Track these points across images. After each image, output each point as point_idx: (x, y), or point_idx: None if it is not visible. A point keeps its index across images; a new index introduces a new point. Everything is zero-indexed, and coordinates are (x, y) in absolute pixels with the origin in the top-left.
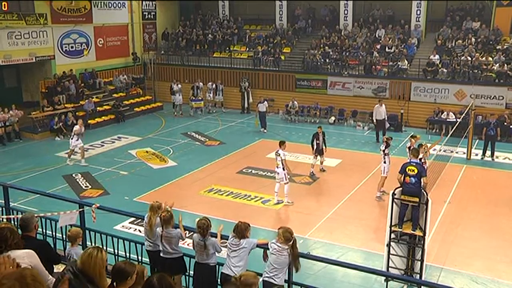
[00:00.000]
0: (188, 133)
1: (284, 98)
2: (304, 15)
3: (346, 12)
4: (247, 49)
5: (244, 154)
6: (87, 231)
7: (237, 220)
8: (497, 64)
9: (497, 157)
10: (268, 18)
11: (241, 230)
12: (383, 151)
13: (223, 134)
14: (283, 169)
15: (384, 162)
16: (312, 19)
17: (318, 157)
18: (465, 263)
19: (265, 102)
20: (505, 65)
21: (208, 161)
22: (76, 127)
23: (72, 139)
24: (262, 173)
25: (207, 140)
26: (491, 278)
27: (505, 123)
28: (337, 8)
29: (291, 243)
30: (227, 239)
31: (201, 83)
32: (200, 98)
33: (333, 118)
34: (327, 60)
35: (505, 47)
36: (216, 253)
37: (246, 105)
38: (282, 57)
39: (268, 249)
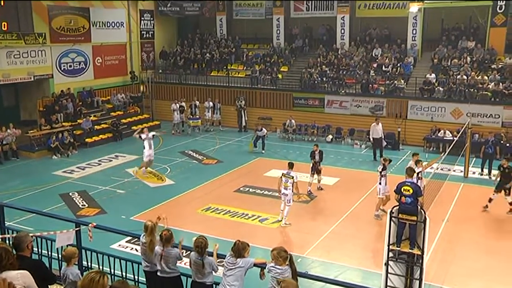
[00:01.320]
0: (186, 151)
1: (281, 116)
2: (301, 34)
3: (343, 31)
4: (245, 67)
5: (242, 173)
6: (83, 250)
7: (234, 238)
8: (493, 83)
9: (494, 175)
10: (265, 37)
11: (239, 249)
12: (380, 172)
13: (220, 153)
14: (292, 191)
15: (380, 183)
16: (309, 38)
17: (316, 175)
18: (463, 282)
19: (263, 130)
20: (500, 84)
21: (206, 180)
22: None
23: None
24: (259, 192)
25: (205, 158)
26: None
27: (502, 141)
28: (333, 27)
29: (288, 261)
30: (224, 258)
31: (198, 102)
32: (197, 116)
33: (330, 136)
34: (324, 79)
35: (500, 66)
36: (213, 272)
37: (243, 123)
38: (280, 76)
39: (265, 268)
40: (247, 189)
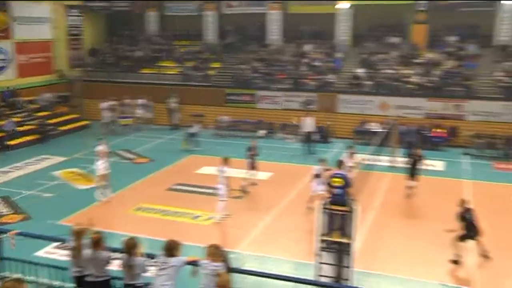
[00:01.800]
0: (116, 151)
1: (214, 113)
2: (234, 30)
3: (274, 27)
4: (176, 64)
5: (174, 171)
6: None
7: (167, 237)
8: (416, 77)
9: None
10: (198, 34)
11: (171, 248)
12: (316, 174)
13: (152, 151)
14: (222, 185)
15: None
16: (242, 34)
17: (252, 170)
18: (391, 267)
19: (195, 126)
20: (423, 77)
21: (137, 179)
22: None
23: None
24: (192, 189)
25: (136, 157)
26: (414, 279)
27: (424, 132)
28: (265, 23)
29: (223, 258)
30: (155, 258)
31: (129, 100)
32: (128, 115)
33: (262, 131)
34: (256, 75)
35: (422, 60)
36: (144, 273)
37: (176, 121)
38: (212, 72)
39: (197, 265)
40: (179, 187)
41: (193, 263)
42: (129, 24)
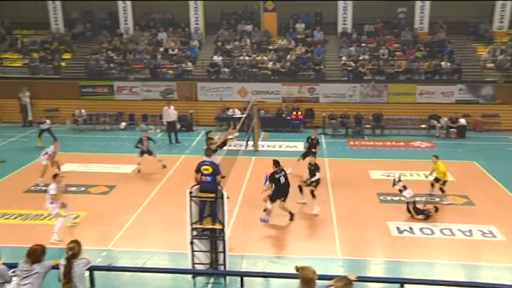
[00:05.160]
0: None
1: (69, 107)
2: (82, 19)
3: (125, 16)
4: (21, 56)
5: (31, 170)
6: None
7: (31, 244)
8: (271, 63)
9: (280, 146)
10: (42, 22)
11: (37, 255)
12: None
13: (2, 152)
14: (51, 202)
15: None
16: (91, 23)
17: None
18: (262, 247)
19: (46, 121)
20: (277, 63)
21: None
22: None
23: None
24: None
25: None
26: (285, 256)
27: (283, 115)
28: (115, 12)
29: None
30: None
31: None
32: None
33: (123, 123)
34: (112, 65)
35: (275, 47)
36: (5, 283)
37: (28, 117)
38: (63, 64)
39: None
40: (39, 187)
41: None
42: None
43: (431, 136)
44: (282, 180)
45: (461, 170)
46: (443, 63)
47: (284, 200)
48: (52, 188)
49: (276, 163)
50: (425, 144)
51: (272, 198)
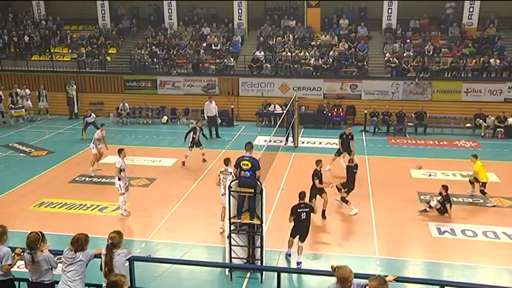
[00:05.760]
0: (10, 144)
1: (113, 100)
2: (128, 14)
3: (170, 11)
4: (70, 51)
5: (76, 162)
6: None
7: (75, 232)
8: (313, 59)
9: (320, 143)
10: (90, 18)
11: (79, 243)
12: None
13: (51, 143)
14: (119, 179)
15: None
16: (137, 18)
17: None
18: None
19: (92, 115)
20: (320, 59)
21: (36, 173)
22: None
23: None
24: (97, 180)
25: (33, 150)
26: (326, 253)
27: (324, 112)
28: (161, 7)
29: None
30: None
31: (19, 89)
32: (20, 105)
33: (165, 117)
34: (155, 60)
35: (318, 43)
36: (52, 269)
37: (75, 110)
38: (109, 58)
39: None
40: (84, 178)
41: (99, 256)
42: (11, 6)
43: (476, 136)
44: (303, 216)
45: (507, 171)
46: (492, 60)
47: (301, 239)
48: (118, 162)
49: (301, 195)
50: (470, 143)
51: (292, 233)
